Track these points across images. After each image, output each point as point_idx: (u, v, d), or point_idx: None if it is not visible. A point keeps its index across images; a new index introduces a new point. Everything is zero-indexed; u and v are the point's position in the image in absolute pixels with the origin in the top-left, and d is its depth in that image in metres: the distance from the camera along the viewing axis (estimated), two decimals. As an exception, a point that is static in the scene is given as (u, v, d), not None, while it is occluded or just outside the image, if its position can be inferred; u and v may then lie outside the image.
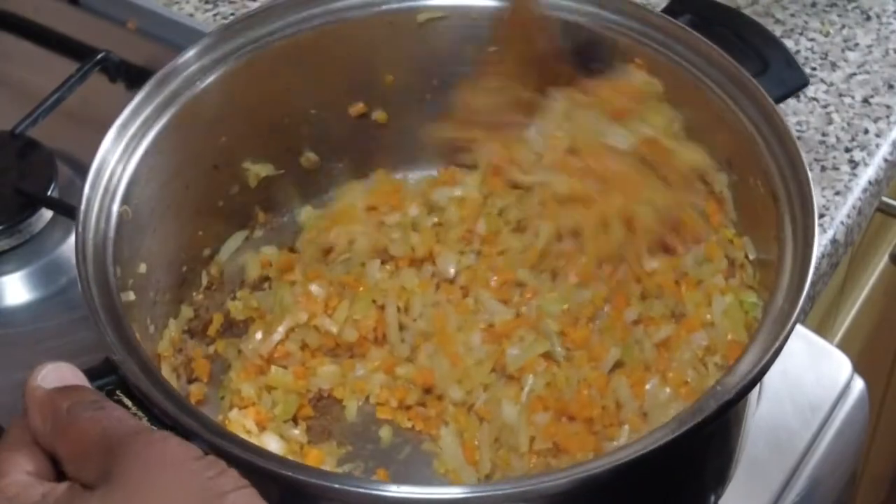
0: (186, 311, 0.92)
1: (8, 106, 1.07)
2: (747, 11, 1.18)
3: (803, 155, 0.81)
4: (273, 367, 0.89)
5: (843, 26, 1.20)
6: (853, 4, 1.22)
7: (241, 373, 0.89)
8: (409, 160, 1.01)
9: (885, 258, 1.48)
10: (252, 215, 0.97)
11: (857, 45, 1.18)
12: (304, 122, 0.96)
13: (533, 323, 0.89)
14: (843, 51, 1.18)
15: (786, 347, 0.73)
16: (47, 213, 0.99)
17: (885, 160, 1.10)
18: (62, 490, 0.62)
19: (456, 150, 0.98)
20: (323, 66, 0.94)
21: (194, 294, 0.94)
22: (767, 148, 0.83)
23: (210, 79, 0.89)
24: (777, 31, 1.18)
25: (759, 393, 0.84)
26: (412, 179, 1.00)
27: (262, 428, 0.86)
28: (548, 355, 0.88)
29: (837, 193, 1.06)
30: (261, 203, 0.97)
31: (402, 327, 0.91)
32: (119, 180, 0.83)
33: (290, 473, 0.67)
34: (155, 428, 0.67)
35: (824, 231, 1.03)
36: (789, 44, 1.17)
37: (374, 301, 0.92)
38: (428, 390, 0.89)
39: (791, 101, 1.11)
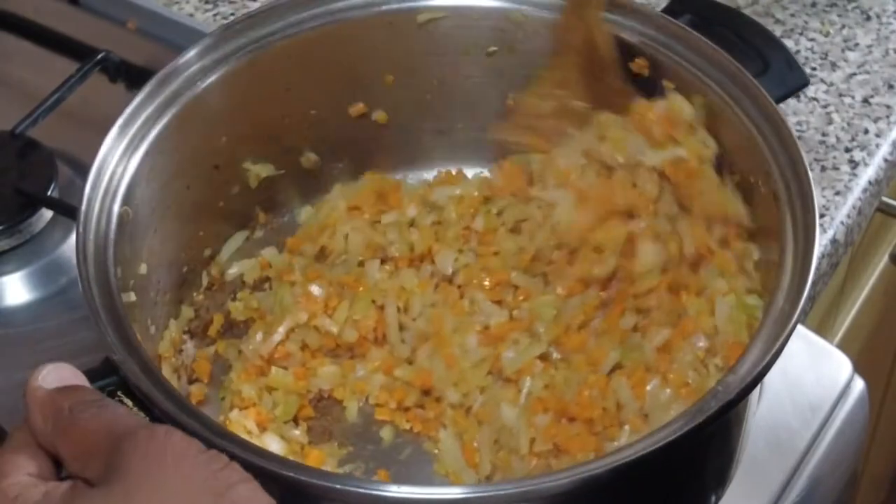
0: (187, 312, 0.92)
1: (8, 106, 1.07)
2: (747, 11, 1.18)
3: (804, 155, 0.81)
4: (273, 368, 0.89)
5: (843, 26, 1.20)
6: (853, 4, 1.22)
7: (241, 373, 0.89)
8: (409, 160, 1.01)
9: (885, 258, 1.48)
10: (252, 215, 0.97)
11: (857, 45, 1.18)
12: (305, 122, 0.96)
13: (526, 326, 0.89)
14: (843, 51, 1.18)
15: (786, 347, 0.73)
16: (47, 213, 0.99)
17: (885, 160, 1.10)
18: (64, 488, 0.62)
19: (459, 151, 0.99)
20: (323, 66, 0.94)
21: (195, 294, 0.94)
22: (768, 148, 0.83)
23: (211, 79, 0.89)
24: (777, 31, 1.18)
25: (760, 393, 0.84)
26: (412, 179, 1.01)
27: (262, 429, 0.86)
28: (544, 357, 0.88)
29: (837, 193, 1.06)
30: (261, 203, 0.97)
31: (402, 328, 0.91)
32: (120, 180, 0.83)
33: (291, 474, 0.67)
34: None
35: (824, 231, 1.03)
36: (789, 44, 1.17)
37: (373, 301, 0.92)
38: (427, 392, 0.89)
39: (791, 101, 1.11)
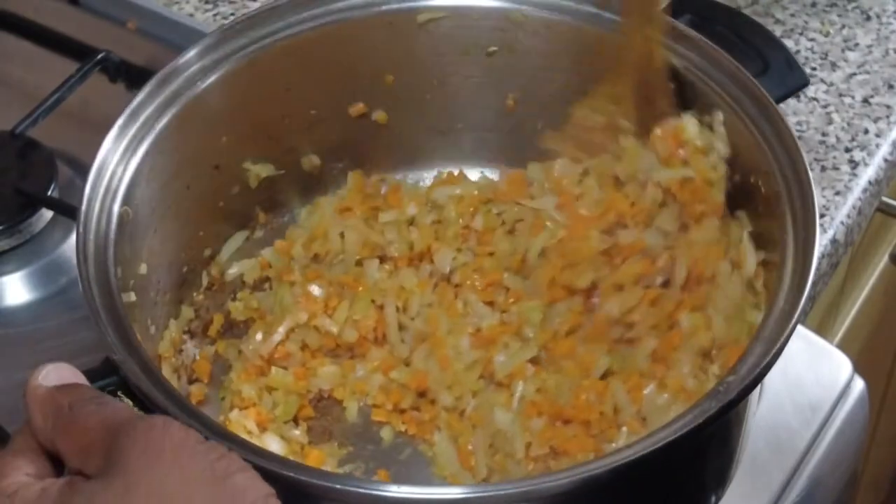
0: (187, 312, 0.92)
1: (8, 106, 1.07)
2: (747, 11, 1.18)
3: (804, 155, 0.81)
4: (273, 368, 0.89)
5: (843, 26, 1.20)
6: (853, 4, 1.22)
7: (241, 373, 0.89)
8: (409, 160, 1.01)
9: (885, 258, 1.48)
10: (253, 216, 0.97)
11: (857, 45, 1.18)
12: (305, 122, 0.96)
13: (516, 329, 0.89)
14: (843, 51, 1.18)
15: (786, 347, 0.73)
16: (47, 213, 0.99)
17: (885, 160, 1.10)
18: (61, 483, 0.62)
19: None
20: (323, 66, 0.94)
21: (195, 294, 0.94)
22: (768, 148, 0.83)
23: (211, 79, 0.89)
24: (777, 31, 1.18)
25: (760, 393, 0.84)
26: (412, 179, 1.01)
27: (262, 429, 0.86)
28: (536, 361, 0.88)
29: (837, 193, 1.06)
30: (261, 203, 0.97)
31: (401, 327, 0.91)
32: (120, 181, 0.83)
33: (291, 474, 0.67)
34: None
35: (824, 231, 1.03)
36: (789, 44, 1.17)
37: (373, 301, 0.92)
38: (422, 394, 0.89)
39: (791, 101, 1.11)
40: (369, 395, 0.89)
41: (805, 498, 0.87)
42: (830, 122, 1.11)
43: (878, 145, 1.10)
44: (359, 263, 0.94)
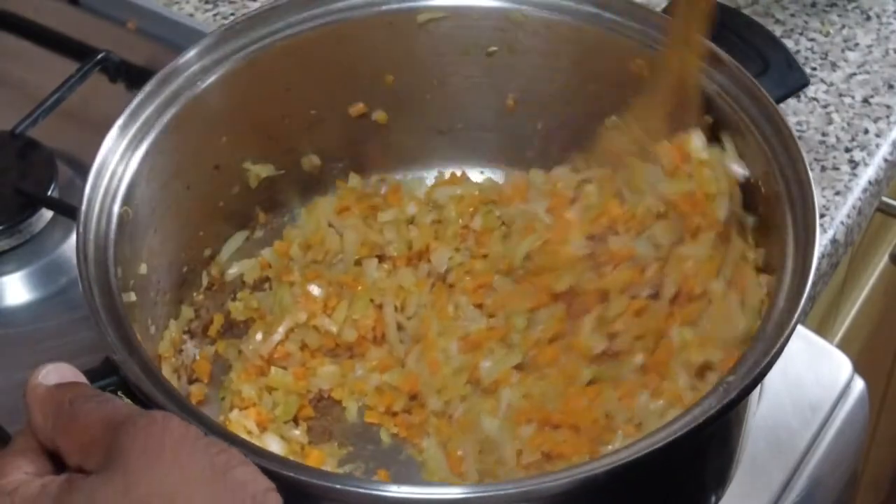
0: (187, 312, 0.92)
1: (8, 106, 1.07)
2: (747, 11, 1.18)
3: (804, 155, 0.81)
4: (273, 368, 0.89)
5: (843, 26, 1.20)
6: (853, 4, 1.22)
7: (241, 374, 0.89)
8: (409, 160, 1.01)
9: (885, 258, 1.48)
10: (253, 216, 0.97)
11: (857, 45, 1.18)
12: (305, 123, 0.96)
13: (502, 334, 0.89)
14: (843, 51, 1.18)
15: (786, 348, 0.73)
16: (47, 213, 0.99)
17: (885, 160, 1.10)
18: (62, 479, 0.62)
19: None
20: (323, 66, 0.94)
21: (195, 294, 0.94)
22: (768, 148, 0.83)
23: (211, 79, 0.89)
24: (777, 31, 1.18)
25: (760, 393, 0.84)
26: (412, 179, 1.01)
27: (262, 429, 0.86)
28: (521, 367, 0.87)
29: (837, 193, 1.06)
30: (261, 203, 0.97)
31: (399, 328, 0.91)
32: (120, 181, 0.83)
33: (291, 474, 0.67)
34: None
35: (824, 231, 1.03)
36: (789, 44, 1.17)
37: (371, 300, 0.92)
38: (414, 397, 0.88)
39: (791, 101, 1.11)
40: (367, 395, 0.89)
41: (805, 498, 0.87)
42: (830, 122, 1.11)
43: (878, 145, 1.10)
44: (358, 263, 0.94)
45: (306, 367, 0.90)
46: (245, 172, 0.95)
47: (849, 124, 1.11)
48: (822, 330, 1.27)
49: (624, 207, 0.88)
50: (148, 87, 0.86)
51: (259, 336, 0.90)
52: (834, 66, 1.16)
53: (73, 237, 0.79)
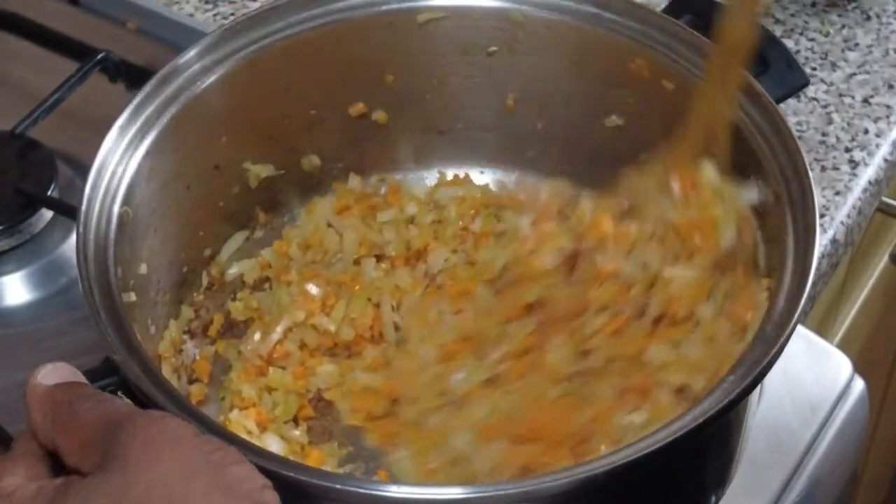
0: (187, 312, 0.92)
1: (8, 106, 1.07)
2: (747, 11, 1.18)
3: (804, 155, 0.81)
4: (271, 369, 0.89)
5: (843, 26, 1.20)
6: (853, 4, 1.22)
7: (241, 374, 0.89)
8: (409, 160, 1.01)
9: (885, 258, 1.48)
10: (253, 216, 0.97)
11: (857, 45, 1.18)
12: (305, 123, 0.96)
13: (476, 346, 0.86)
14: (843, 51, 1.18)
15: (786, 348, 0.73)
16: (47, 213, 0.99)
17: (885, 160, 1.10)
18: (59, 482, 0.62)
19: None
20: (323, 66, 0.94)
21: (195, 294, 0.94)
22: (768, 148, 0.83)
23: (211, 79, 0.89)
24: (777, 31, 1.18)
25: (760, 393, 0.84)
26: (412, 179, 1.01)
27: (262, 429, 0.86)
28: (492, 382, 0.84)
29: (837, 193, 1.06)
30: (261, 203, 0.97)
31: (396, 327, 0.91)
32: (120, 181, 0.83)
33: (291, 474, 0.67)
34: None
35: (824, 231, 1.03)
36: (789, 44, 1.17)
37: (369, 300, 0.92)
38: (396, 401, 0.87)
39: (791, 101, 1.11)
40: (353, 397, 0.88)
41: (805, 498, 0.87)
42: (830, 122, 1.11)
43: (878, 145, 1.10)
44: (357, 263, 0.94)
45: (305, 366, 0.90)
46: (245, 172, 0.95)
47: (849, 124, 1.11)
48: (822, 330, 1.27)
49: (619, 227, 0.86)
50: (148, 87, 0.86)
51: (257, 336, 0.90)
52: (834, 66, 1.16)
53: (73, 237, 0.79)
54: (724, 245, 0.83)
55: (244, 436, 0.82)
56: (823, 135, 1.10)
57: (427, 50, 0.96)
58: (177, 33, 1.13)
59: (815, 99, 1.13)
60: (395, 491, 0.67)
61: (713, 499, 0.82)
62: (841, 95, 1.14)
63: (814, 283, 0.76)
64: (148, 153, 0.85)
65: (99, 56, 1.09)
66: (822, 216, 1.03)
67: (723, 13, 0.82)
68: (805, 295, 0.74)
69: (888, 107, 1.13)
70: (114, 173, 0.83)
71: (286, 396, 0.88)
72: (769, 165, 0.82)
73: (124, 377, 0.71)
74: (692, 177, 0.84)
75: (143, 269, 0.85)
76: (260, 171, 0.95)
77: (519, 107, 0.98)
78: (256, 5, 1.16)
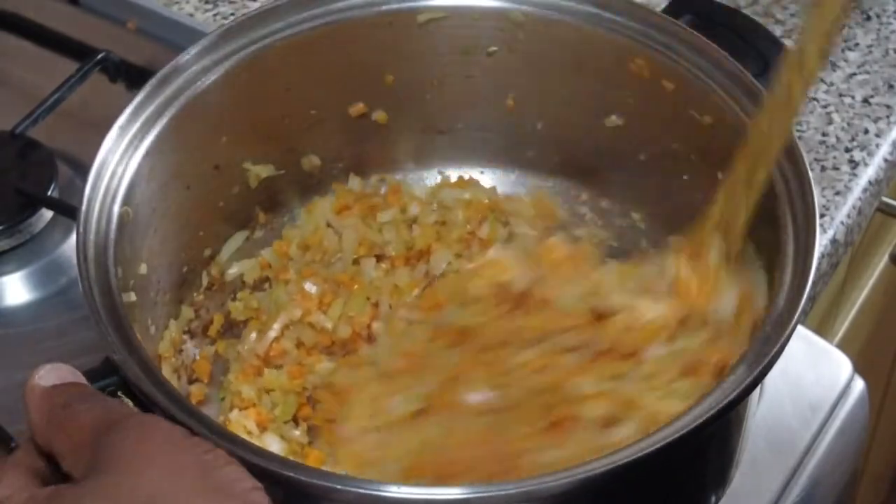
0: (187, 312, 0.92)
1: (8, 106, 1.07)
2: (747, 11, 1.18)
3: (804, 155, 0.81)
4: (266, 370, 0.89)
5: (843, 26, 1.20)
6: (853, 4, 1.22)
7: (239, 374, 0.89)
8: (409, 160, 1.01)
9: (885, 258, 1.48)
10: (253, 216, 0.97)
11: (857, 45, 1.18)
12: (305, 123, 0.96)
13: (419, 369, 0.84)
14: (843, 51, 1.18)
15: (786, 347, 0.73)
16: (47, 213, 0.99)
17: (885, 160, 1.10)
18: (49, 490, 0.62)
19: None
20: (323, 66, 0.94)
21: (195, 295, 0.94)
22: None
23: (211, 79, 0.89)
24: (777, 31, 1.18)
25: (760, 393, 0.84)
26: (412, 180, 1.01)
27: (262, 429, 0.86)
28: (424, 411, 0.81)
29: (837, 193, 1.06)
30: (261, 203, 0.97)
31: (395, 327, 0.92)
32: (120, 181, 0.83)
33: (291, 474, 0.67)
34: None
35: (824, 231, 1.03)
36: (789, 44, 1.16)
37: (368, 299, 0.92)
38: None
39: (791, 101, 1.11)
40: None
41: (805, 498, 0.87)
42: (830, 122, 1.11)
43: (878, 145, 1.10)
44: (356, 262, 0.94)
45: (302, 364, 0.90)
46: (245, 172, 0.95)
47: (849, 124, 1.11)
48: (822, 330, 1.27)
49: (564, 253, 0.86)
50: (148, 88, 0.86)
51: (253, 336, 0.90)
52: (834, 66, 1.16)
53: (73, 237, 0.79)
54: (712, 311, 0.80)
55: (244, 436, 0.82)
56: (823, 135, 1.10)
57: (427, 50, 0.96)
58: (177, 33, 1.13)
59: (815, 99, 1.13)
60: (394, 491, 0.67)
61: (713, 499, 0.82)
62: (841, 95, 1.14)
63: (814, 283, 0.76)
64: (148, 153, 0.85)
65: (99, 56, 1.09)
66: (822, 216, 1.03)
67: (757, 115, 0.80)
68: (805, 295, 0.74)
69: (888, 107, 1.13)
70: (114, 173, 0.83)
71: (284, 396, 0.88)
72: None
73: (124, 377, 0.71)
74: (698, 249, 0.82)
75: (143, 269, 0.85)
76: (260, 171, 0.95)
77: (519, 107, 0.98)
78: (256, 5, 1.16)
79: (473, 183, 0.99)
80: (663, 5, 1.03)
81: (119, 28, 1.15)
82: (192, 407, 0.71)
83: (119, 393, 0.71)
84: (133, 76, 1.09)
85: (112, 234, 0.80)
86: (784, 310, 0.74)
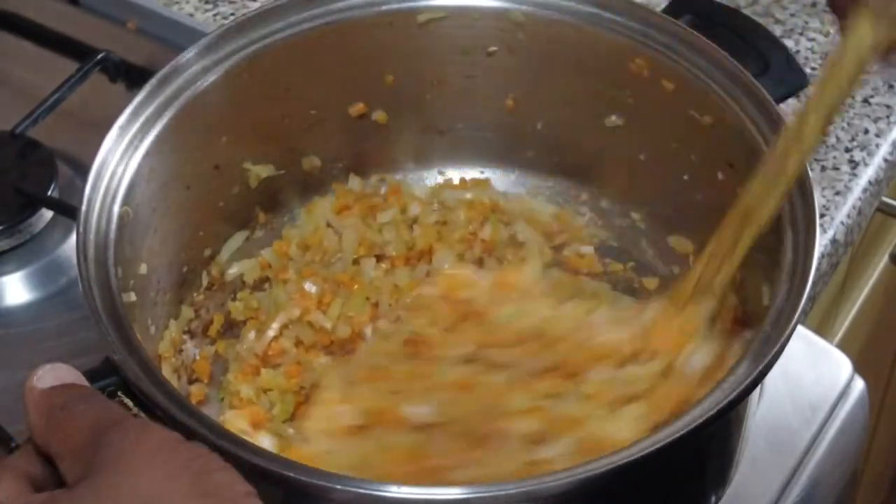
0: (187, 312, 0.92)
1: (8, 106, 1.07)
2: (747, 11, 1.18)
3: (804, 155, 0.81)
4: (263, 370, 0.89)
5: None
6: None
7: (238, 374, 0.89)
8: (409, 160, 1.01)
9: (885, 258, 1.48)
10: (253, 216, 0.97)
11: (857, 45, 1.18)
12: (305, 123, 0.96)
13: (379, 377, 0.84)
14: (843, 51, 1.17)
15: (786, 347, 0.73)
16: (47, 213, 0.99)
17: (885, 160, 1.10)
18: (44, 496, 0.62)
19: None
20: (323, 66, 0.94)
21: (195, 294, 0.94)
22: (769, 148, 0.83)
23: (211, 79, 0.89)
24: (777, 31, 1.18)
25: (760, 393, 0.84)
26: (412, 180, 1.01)
27: (257, 428, 0.86)
28: (366, 427, 0.81)
29: (837, 193, 1.06)
30: (261, 203, 0.97)
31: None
32: (120, 181, 0.83)
33: (291, 474, 0.67)
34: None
35: (824, 231, 1.03)
36: (789, 44, 1.17)
37: (368, 298, 0.92)
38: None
39: (791, 101, 1.11)
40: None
41: (805, 498, 0.87)
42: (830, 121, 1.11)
43: (878, 145, 1.10)
44: (356, 262, 0.94)
45: (300, 362, 0.90)
46: (245, 172, 0.95)
47: (849, 124, 1.11)
48: (822, 330, 1.27)
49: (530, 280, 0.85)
50: (148, 88, 0.86)
51: (252, 335, 0.90)
52: (834, 66, 1.16)
53: (73, 237, 0.79)
54: (681, 363, 0.80)
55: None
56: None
57: (427, 50, 0.96)
58: (177, 33, 1.13)
59: (815, 99, 1.13)
60: (394, 491, 0.67)
61: (713, 499, 0.82)
62: (841, 95, 1.13)
63: (814, 283, 0.76)
64: (148, 153, 0.85)
65: (99, 56, 1.09)
66: (822, 216, 1.03)
67: (750, 183, 0.79)
68: (805, 295, 0.74)
69: (888, 107, 1.13)
70: (114, 173, 0.83)
71: (282, 396, 0.88)
72: (769, 165, 0.82)
73: (124, 377, 0.71)
74: (682, 317, 0.81)
75: (143, 269, 0.85)
76: (260, 171, 0.95)
77: (519, 107, 0.98)
78: (256, 5, 1.16)
79: (475, 184, 0.99)
80: (663, 5, 1.03)
81: (119, 28, 1.15)
82: (192, 407, 0.71)
83: (119, 393, 0.71)
84: (133, 76, 1.09)
85: (112, 234, 0.80)
86: (784, 310, 0.74)
